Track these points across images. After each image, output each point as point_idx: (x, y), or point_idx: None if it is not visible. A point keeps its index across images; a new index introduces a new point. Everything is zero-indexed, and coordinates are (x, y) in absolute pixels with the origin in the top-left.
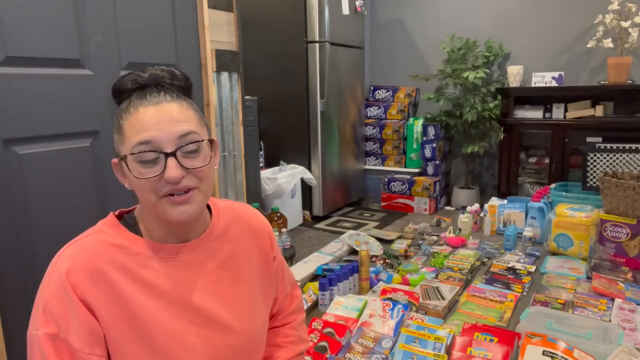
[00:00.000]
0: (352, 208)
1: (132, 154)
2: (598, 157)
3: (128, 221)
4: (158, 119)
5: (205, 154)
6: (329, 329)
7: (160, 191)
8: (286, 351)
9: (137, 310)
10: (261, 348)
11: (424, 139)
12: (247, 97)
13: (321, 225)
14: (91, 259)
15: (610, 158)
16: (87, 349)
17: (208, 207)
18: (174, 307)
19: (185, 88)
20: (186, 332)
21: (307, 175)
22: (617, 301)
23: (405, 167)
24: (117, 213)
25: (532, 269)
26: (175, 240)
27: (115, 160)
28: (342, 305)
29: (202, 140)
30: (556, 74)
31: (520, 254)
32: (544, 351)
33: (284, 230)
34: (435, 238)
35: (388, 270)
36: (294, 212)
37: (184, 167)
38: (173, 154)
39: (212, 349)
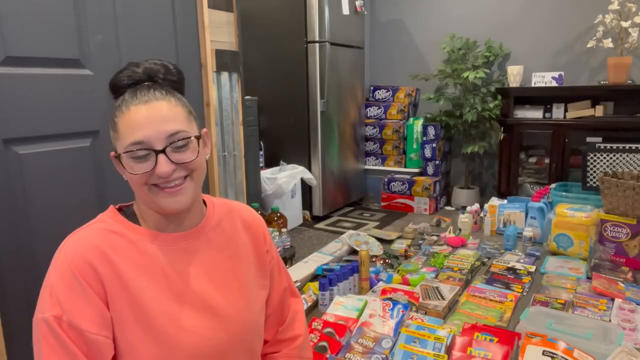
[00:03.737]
0: (352, 208)
1: (125, 152)
2: (598, 157)
3: (127, 212)
4: (148, 118)
5: (194, 148)
6: (329, 329)
7: (151, 181)
8: None
9: (137, 293)
10: (259, 334)
11: (424, 139)
12: (247, 97)
13: (321, 225)
14: (94, 244)
15: (610, 158)
16: (94, 329)
17: (204, 201)
18: (171, 290)
19: (177, 82)
20: (183, 314)
21: (307, 175)
22: (617, 301)
23: (405, 167)
24: (117, 206)
25: (532, 269)
26: (172, 229)
27: (112, 153)
28: (342, 305)
29: (190, 137)
30: (556, 74)
31: (520, 254)
32: (544, 351)
33: (284, 230)
34: (435, 238)
35: (388, 270)
36: (294, 212)
37: (173, 162)
38: (163, 151)
39: (209, 331)
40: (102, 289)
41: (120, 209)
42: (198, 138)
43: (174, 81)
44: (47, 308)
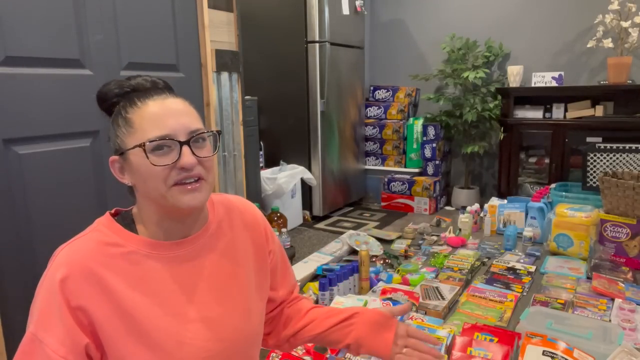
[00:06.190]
0: (352, 208)
1: (151, 141)
2: (598, 157)
3: (125, 219)
4: (170, 111)
5: (209, 147)
6: None
7: (171, 180)
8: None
9: (131, 309)
10: (257, 343)
11: (424, 139)
12: (247, 97)
13: (321, 225)
14: (84, 262)
15: (610, 158)
16: (62, 351)
17: None
18: (168, 303)
19: None
20: (182, 327)
21: (307, 175)
22: (617, 301)
23: (405, 167)
24: (113, 212)
25: (532, 269)
26: (173, 238)
27: (114, 157)
28: (342, 305)
29: (210, 131)
30: (556, 74)
31: (520, 254)
32: (544, 351)
33: (284, 230)
34: (435, 238)
35: (388, 270)
36: (294, 212)
37: (195, 156)
38: (187, 143)
39: (208, 343)
40: (91, 309)
41: (117, 213)
42: (219, 133)
43: None
44: (30, 322)
